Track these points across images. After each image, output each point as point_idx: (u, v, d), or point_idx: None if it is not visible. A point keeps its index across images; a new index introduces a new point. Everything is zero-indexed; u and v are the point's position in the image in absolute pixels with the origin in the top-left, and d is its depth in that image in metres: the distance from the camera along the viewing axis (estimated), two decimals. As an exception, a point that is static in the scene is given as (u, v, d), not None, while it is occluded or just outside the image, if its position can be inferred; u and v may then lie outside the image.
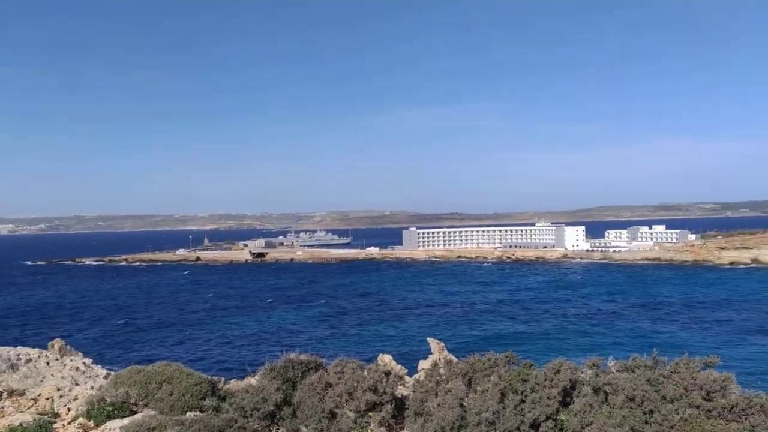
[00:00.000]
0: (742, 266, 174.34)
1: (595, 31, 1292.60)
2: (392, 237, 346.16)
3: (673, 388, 13.09)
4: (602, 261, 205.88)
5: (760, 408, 11.75)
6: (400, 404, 16.86)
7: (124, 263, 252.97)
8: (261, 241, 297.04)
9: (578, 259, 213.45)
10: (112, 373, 15.06)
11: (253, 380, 16.95)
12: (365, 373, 16.89)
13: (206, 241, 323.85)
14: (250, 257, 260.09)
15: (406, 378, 19.40)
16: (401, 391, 18.36)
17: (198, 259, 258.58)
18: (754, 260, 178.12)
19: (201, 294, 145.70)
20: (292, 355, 16.49)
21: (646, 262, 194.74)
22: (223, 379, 17.22)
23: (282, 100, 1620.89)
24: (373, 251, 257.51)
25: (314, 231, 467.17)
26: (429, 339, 21.19)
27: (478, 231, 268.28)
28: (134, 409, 12.37)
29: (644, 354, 17.38)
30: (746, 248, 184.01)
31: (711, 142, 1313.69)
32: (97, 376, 15.41)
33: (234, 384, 17.02)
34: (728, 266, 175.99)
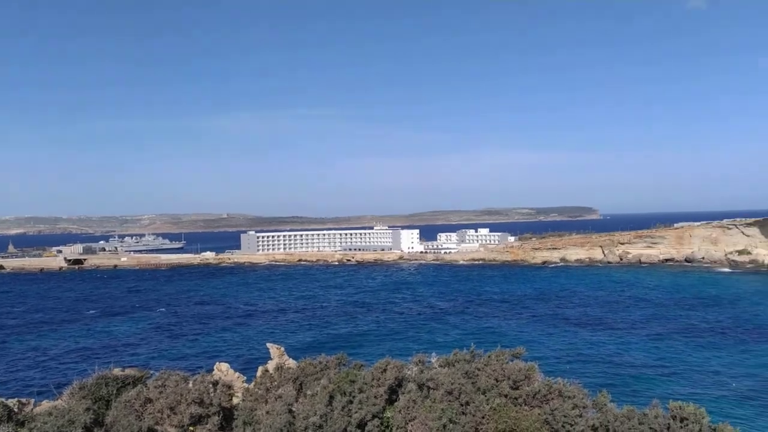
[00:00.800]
0: (552, 265, 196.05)
1: (412, 34, 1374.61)
2: (229, 241, 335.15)
3: (485, 380, 14.19)
4: (435, 262, 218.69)
5: (558, 393, 13.23)
6: (229, 414, 16.22)
7: None
8: (78, 247, 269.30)
9: (413, 261, 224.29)
10: None
11: (60, 401, 15.19)
12: (190, 384, 16.00)
13: (11, 246, 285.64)
14: (65, 264, 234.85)
15: (243, 386, 18.76)
16: (235, 400, 17.71)
17: (0, 267, 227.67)
18: (562, 259, 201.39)
19: (5, 307, 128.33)
20: (106, 371, 15.07)
21: (472, 262, 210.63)
22: (32, 401, 15.25)
23: (109, 98, 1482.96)
24: (209, 256, 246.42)
25: (141, 235, 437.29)
26: (269, 345, 20.73)
27: (319, 235, 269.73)
28: None
29: (464, 348, 18.69)
30: (556, 249, 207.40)
31: (528, 153, 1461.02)
32: None
33: (45, 406, 15.15)
34: (541, 265, 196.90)
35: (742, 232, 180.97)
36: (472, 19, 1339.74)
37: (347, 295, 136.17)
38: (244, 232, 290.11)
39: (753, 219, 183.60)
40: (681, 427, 10.45)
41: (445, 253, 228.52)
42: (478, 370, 14.42)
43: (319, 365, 18.18)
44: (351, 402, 14.38)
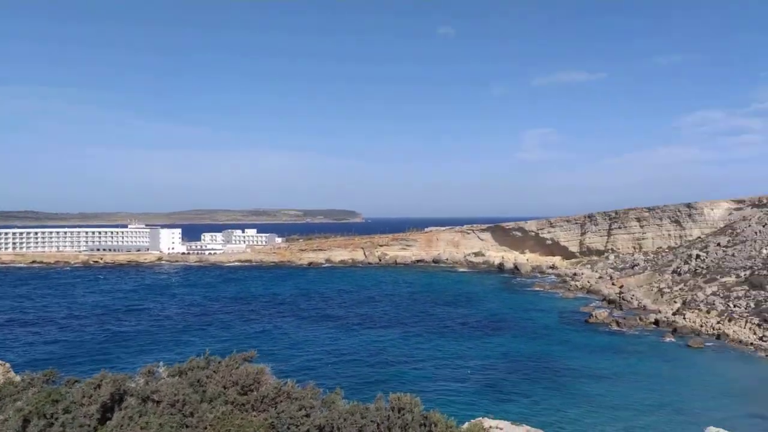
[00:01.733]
0: (318, 266, 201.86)
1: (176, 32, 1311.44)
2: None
3: (213, 388, 13.29)
4: (198, 263, 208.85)
5: (287, 395, 12.97)
6: None
7: None
8: None
9: (175, 262, 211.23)
10: None
11: None
12: None
13: None
14: None
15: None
16: None
17: None
18: (327, 260, 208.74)
19: None
20: None
21: (239, 263, 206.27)
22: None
23: None
24: None
25: None
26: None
27: (59, 232, 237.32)
28: None
29: (226, 354, 17.48)
30: (322, 250, 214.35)
31: (296, 155, 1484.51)
32: None
33: None
34: (308, 266, 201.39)
35: (478, 237, 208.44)
36: (234, 18, 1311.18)
37: (97, 299, 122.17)
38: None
39: (486, 225, 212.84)
40: (398, 417, 10.95)
41: (210, 254, 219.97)
42: (207, 378, 13.44)
43: (20, 384, 15.33)
44: (51, 425, 12.25)
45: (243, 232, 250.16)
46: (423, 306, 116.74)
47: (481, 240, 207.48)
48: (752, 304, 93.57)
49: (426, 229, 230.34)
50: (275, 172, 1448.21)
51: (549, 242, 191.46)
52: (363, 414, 11.06)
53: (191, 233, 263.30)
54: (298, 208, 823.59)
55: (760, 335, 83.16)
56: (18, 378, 16.15)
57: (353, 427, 10.62)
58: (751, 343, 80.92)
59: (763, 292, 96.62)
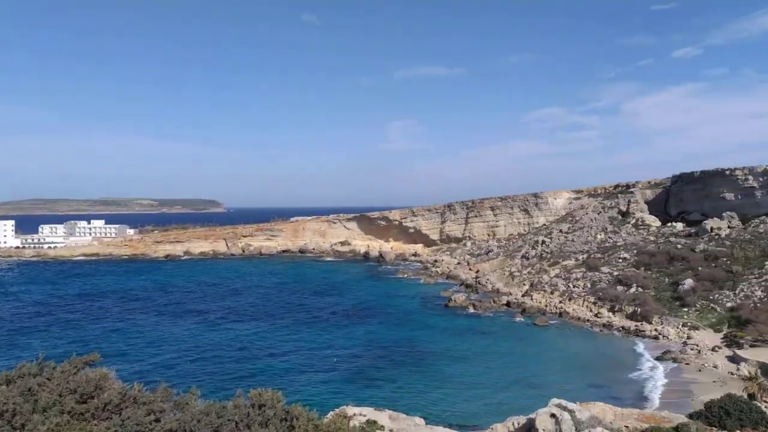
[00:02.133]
0: (176, 258, 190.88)
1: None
2: None
3: (47, 396, 11.71)
4: (36, 258, 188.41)
5: (134, 400, 11.77)
6: None
7: None
8: None
9: (7, 257, 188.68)
10: None
11: None
12: None
13: None
14: None
15: None
16: None
17: None
18: (187, 252, 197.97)
19: None
20: None
21: (84, 257, 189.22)
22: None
23: None
24: None
25: None
26: None
27: None
28: None
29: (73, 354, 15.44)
30: (180, 242, 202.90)
31: (149, 141, 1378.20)
32: None
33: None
34: (165, 258, 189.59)
35: (344, 226, 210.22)
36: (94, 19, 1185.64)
37: None
38: None
39: (352, 215, 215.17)
40: (258, 414, 10.34)
41: (50, 247, 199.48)
42: (40, 386, 11.80)
43: None
44: None
45: (89, 223, 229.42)
46: (290, 297, 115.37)
47: (348, 229, 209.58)
48: (589, 284, 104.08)
49: (292, 219, 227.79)
50: (126, 158, 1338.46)
51: (412, 231, 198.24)
52: (219, 413, 10.29)
53: (27, 225, 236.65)
54: (153, 197, 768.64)
55: (596, 312, 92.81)
56: None
57: (208, 428, 9.82)
58: (588, 320, 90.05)
59: (597, 273, 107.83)
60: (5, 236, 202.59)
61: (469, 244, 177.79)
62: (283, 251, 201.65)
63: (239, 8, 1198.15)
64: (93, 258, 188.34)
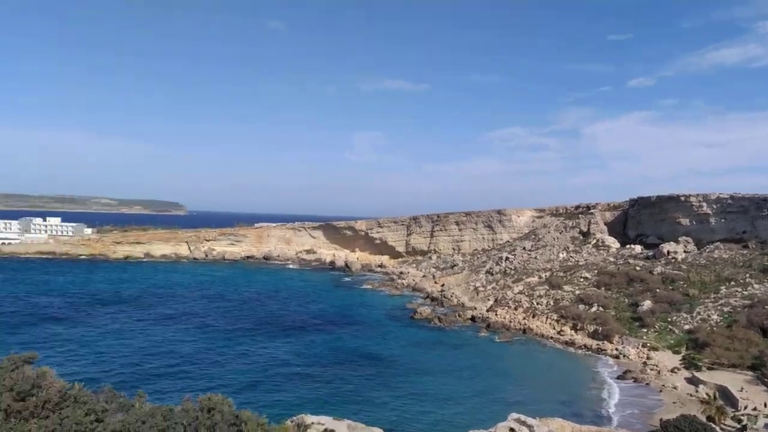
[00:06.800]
0: (136, 260, 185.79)
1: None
2: None
3: (-24, 393, 10.80)
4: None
5: (74, 400, 10.92)
6: None
7: None
8: None
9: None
10: None
11: None
12: None
13: None
14: None
15: None
16: None
17: None
18: (147, 254, 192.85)
19: None
20: None
21: (40, 255, 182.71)
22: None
23: None
24: None
25: None
26: None
27: None
28: None
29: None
30: (140, 243, 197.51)
31: (108, 139, 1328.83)
32: None
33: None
34: (123, 260, 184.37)
35: (310, 234, 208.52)
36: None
37: None
38: None
39: (318, 223, 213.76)
40: (207, 418, 9.65)
41: (3, 244, 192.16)
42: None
43: None
44: None
45: (44, 220, 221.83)
46: (253, 305, 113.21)
47: (313, 237, 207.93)
48: (552, 302, 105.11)
49: (256, 225, 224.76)
50: (84, 156, 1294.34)
51: (378, 242, 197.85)
52: (166, 416, 9.54)
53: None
54: (111, 196, 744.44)
55: (558, 330, 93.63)
56: None
57: (153, 429, 9.07)
58: (551, 337, 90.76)
59: (560, 291, 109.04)
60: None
61: (434, 257, 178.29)
62: (248, 257, 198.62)
63: (205, 13, 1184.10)
64: (48, 256, 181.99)
